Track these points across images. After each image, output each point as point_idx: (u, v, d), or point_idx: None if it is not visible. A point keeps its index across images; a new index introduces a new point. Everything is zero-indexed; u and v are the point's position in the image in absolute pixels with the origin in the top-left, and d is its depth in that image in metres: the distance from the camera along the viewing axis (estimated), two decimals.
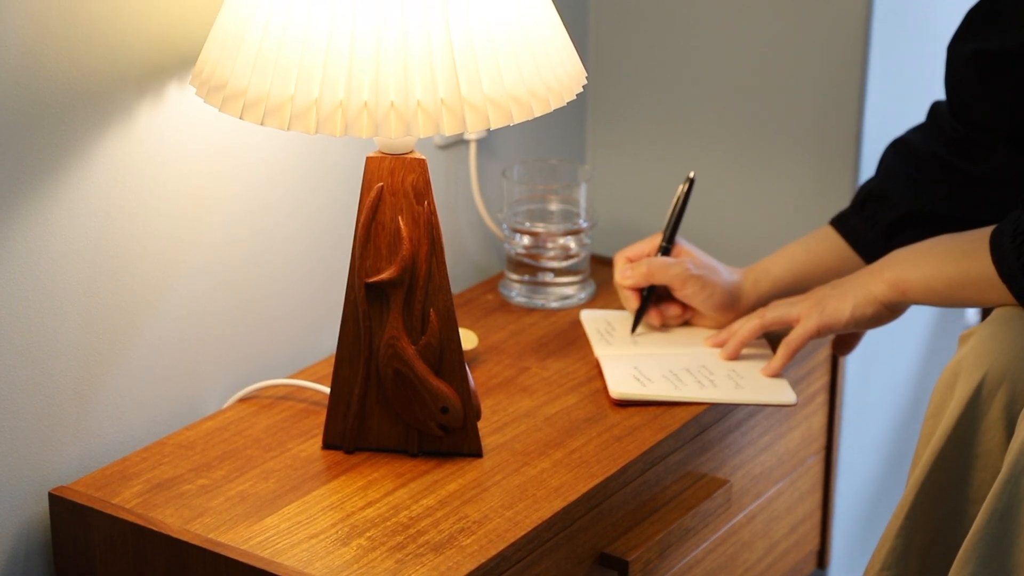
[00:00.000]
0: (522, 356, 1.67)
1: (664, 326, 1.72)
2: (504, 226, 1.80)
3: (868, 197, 1.69)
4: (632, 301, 1.70)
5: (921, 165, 1.67)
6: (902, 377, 2.16)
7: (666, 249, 1.70)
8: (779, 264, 1.70)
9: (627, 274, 1.69)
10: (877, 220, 1.68)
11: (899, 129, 1.74)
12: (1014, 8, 1.58)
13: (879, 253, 1.66)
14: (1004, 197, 1.62)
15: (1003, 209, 1.62)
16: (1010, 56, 1.59)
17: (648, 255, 1.71)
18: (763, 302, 1.69)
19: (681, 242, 1.71)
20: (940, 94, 1.71)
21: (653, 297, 1.70)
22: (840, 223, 1.70)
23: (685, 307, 1.71)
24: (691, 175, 1.71)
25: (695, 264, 1.67)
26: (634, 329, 1.70)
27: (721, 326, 1.70)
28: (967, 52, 1.62)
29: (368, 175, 1.41)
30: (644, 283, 1.69)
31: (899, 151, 1.69)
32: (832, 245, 1.69)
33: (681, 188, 1.71)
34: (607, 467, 1.46)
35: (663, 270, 1.68)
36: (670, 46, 1.93)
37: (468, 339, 1.64)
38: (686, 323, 1.73)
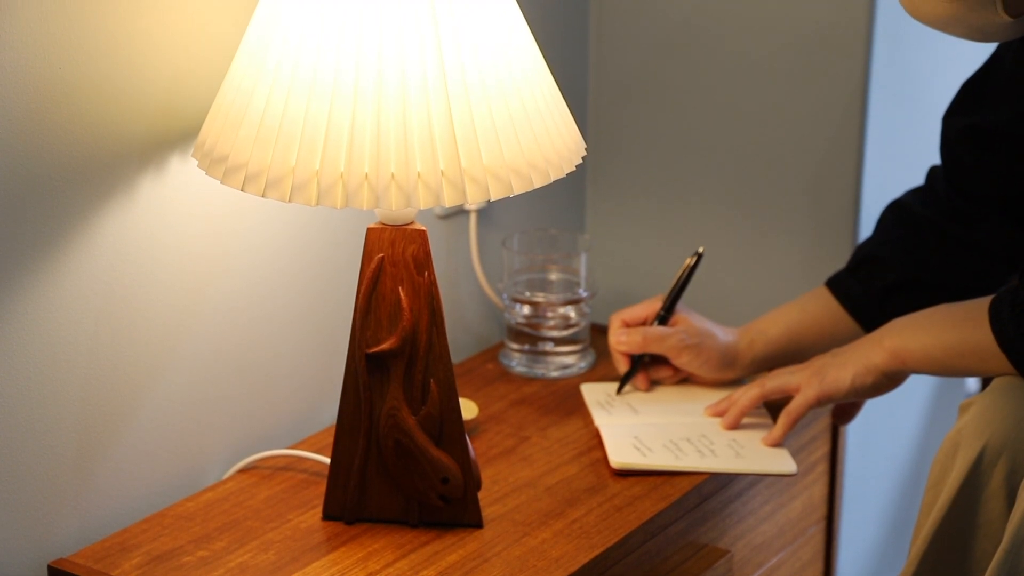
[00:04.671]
0: (522, 426, 1.67)
1: (653, 384, 1.74)
2: (504, 296, 1.80)
3: (863, 260, 1.70)
4: (623, 364, 1.72)
5: (916, 229, 1.68)
6: (903, 446, 2.15)
7: (663, 317, 1.71)
8: (774, 324, 1.71)
9: (622, 339, 1.71)
10: (871, 283, 1.69)
11: (896, 196, 1.75)
12: (1006, 85, 1.60)
13: (872, 315, 1.68)
14: (996, 264, 1.64)
15: (995, 276, 1.63)
16: (1002, 132, 1.60)
17: (644, 319, 1.72)
18: (758, 362, 1.71)
19: (678, 307, 1.72)
20: (937, 159, 1.72)
21: (644, 360, 1.73)
22: (834, 284, 1.72)
23: (676, 369, 1.73)
24: (700, 250, 1.73)
25: (689, 334, 1.69)
26: (620, 390, 1.72)
27: (720, 384, 1.72)
28: (960, 126, 1.64)
29: (369, 246, 1.41)
30: (638, 351, 1.71)
31: (896, 214, 1.71)
32: (826, 306, 1.71)
33: (688, 261, 1.72)
34: (608, 537, 1.46)
35: (658, 341, 1.69)
36: (668, 117, 1.94)
37: (468, 409, 1.64)
38: (685, 381, 1.74)
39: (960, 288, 1.64)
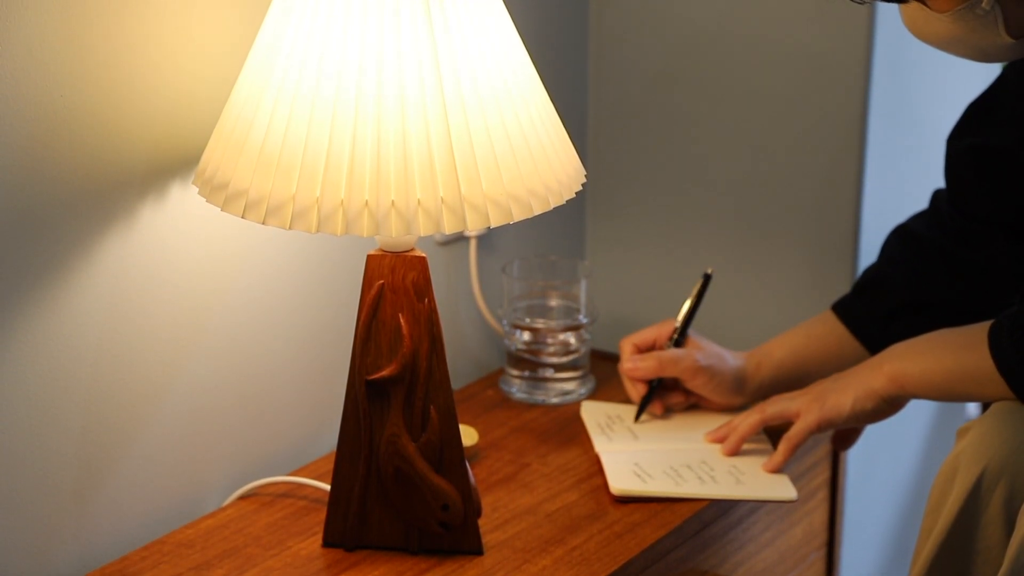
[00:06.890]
0: (522, 452, 1.67)
1: (667, 411, 1.73)
2: (504, 322, 1.81)
3: (868, 283, 1.71)
4: (637, 391, 1.72)
5: (921, 252, 1.68)
6: (903, 472, 2.15)
7: (678, 341, 1.71)
8: (781, 348, 1.72)
9: (636, 365, 1.70)
10: (876, 306, 1.69)
11: (897, 221, 1.76)
12: (1012, 105, 1.60)
13: (877, 338, 1.68)
14: (1001, 286, 1.64)
15: (1000, 298, 1.63)
16: (1007, 152, 1.60)
17: (655, 343, 1.72)
18: (766, 385, 1.71)
19: (688, 332, 1.73)
20: (938, 184, 1.72)
21: (662, 384, 1.72)
22: (840, 308, 1.72)
23: (688, 394, 1.73)
24: (709, 271, 1.74)
25: (703, 355, 1.69)
26: (637, 418, 1.71)
27: (727, 409, 1.72)
28: (965, 147, 1.64)
29: (369, 273, 1.41)
30: (653, 376, 1.70)
31: (900, 237, 1.71)
32: (832, 329, 1.71)
33: (699, 282, 1.73)
34: (608, 564, 1.45)
35: (673, 364, 1.69)
36: (668, 143, 1.94)
37: (468, 435, 1.64)
38: (691, 407, 1.74)
39: (965, 310, 1.64)
